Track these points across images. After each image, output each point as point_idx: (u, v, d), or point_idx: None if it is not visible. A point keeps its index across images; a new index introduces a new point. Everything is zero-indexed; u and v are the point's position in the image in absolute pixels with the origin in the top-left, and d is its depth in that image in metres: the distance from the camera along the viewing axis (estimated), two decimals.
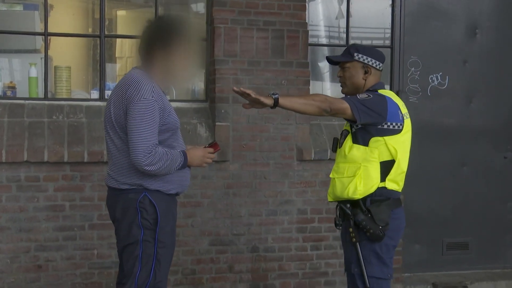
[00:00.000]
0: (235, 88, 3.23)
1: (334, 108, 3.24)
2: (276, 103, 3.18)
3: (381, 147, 3.32)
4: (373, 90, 3.41)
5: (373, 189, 3.32)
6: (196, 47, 3.43)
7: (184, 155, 3.33)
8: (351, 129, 3.41)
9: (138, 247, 3.25)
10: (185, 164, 3.33)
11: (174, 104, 4.94)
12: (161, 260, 3.27)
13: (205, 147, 3.52)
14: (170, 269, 4.79)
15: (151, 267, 3.25)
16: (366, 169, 3.31)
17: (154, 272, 3.25)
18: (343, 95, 3.52)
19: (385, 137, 3.32)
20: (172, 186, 3.33)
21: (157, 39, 3.30)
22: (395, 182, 3.39)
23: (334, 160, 3.56)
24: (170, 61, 3.31)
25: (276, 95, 3.18)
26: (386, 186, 3.35)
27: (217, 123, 4.97)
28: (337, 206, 3.47)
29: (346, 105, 3.25)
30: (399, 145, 3.34)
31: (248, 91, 3.17)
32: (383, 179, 3.34)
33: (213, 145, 3.53)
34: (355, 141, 3.38)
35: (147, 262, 3.25)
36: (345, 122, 3.53)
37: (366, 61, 3.45)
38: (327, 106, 3.23)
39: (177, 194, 3.42)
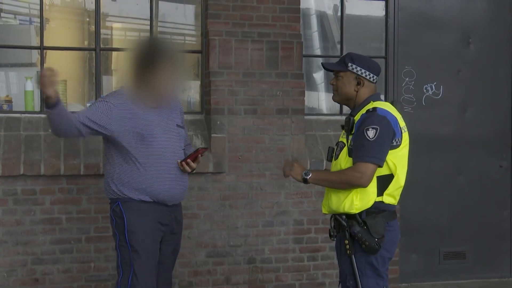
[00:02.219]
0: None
1: (369, 179, 3.24)
2: (306, 182, 3.42)
3: None
4: (372, 110, 3.31)
5: (369, 204, 3.29)
6: (179, 68, 3.66)
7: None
8: (347, 142, 3.39)
9: (117, 253, 3.54)
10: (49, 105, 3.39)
11: None
12: (135, 264, 3.46)
13: (196, 151, 3.68)
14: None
15: (130, 272, 3.47)
16: None
17: (132, 276, 3.47)
18: (337, 104, 3.52)
19: None
20: (137, 192, 3.51)
21: (142, 61, 3.50)
22: (392, 196, 3.36)
23: (329, 170, 3.55)
24: (155, 81, 3.50)
25: (309, 175, 3.39)
26: (384, 200, 3.32)
27: (213, 135, 4.99)
28: (331, 217, 3.45)
29: (371, 166, 3.22)
30: (398, 160, 3.31)
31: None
32: (380, 193, 3.31)
33: (200, 150, 3.67)
34: (351, 155, 3.34)
35: (126, 267, 3.49)
36: (341, 133, 3.52)
37: (359, 73, 3.41)
38: (363, 183, 3.23)
39: (156, 202, 3.54)
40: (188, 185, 4.83)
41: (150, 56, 3.49)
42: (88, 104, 5.04)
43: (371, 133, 3.25)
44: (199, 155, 3.66)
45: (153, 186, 3.53)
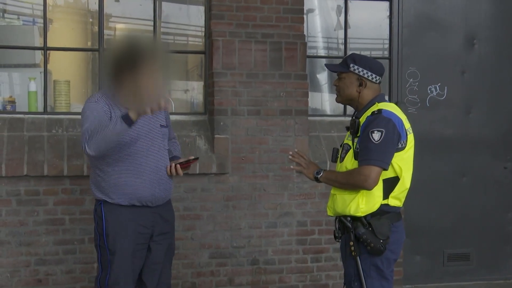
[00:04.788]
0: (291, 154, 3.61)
1: (373, 182, 3.23)
2: (317, 180, 3.48)
3: None
4: (377, 112, 3.29)
5: (375, 207, 3.28)
6: (162, 69, 3.40)
7: (123, 116, 3.28)
8: (353, 145, 3.37)
9: (98, 251, 3.60)
10: (129, 122, 3.27)
11: (173, 117, 4.98)
12: (113, 266, 3.51)
13: (188, 161, 3.66)
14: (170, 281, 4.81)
15: (107, 271, 3.52)
16: None
17: (109, 276, 3.53)
18: (339, 103, 3.56)
19: None
20: (116, 196, 3.51)
21: (121, 61, 3.31)
22: (398, 199, 3.35)
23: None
24: (136, 84, 3.29)
25: (320, 174, 3.45)
26: (389, 203, 3.31)
27: (216, 136, 4.98)
28: (336, 218, 3.44)
29: (377, 169, 3.21)
30: (403, 162, 3.30)
31: (301, 161, 3.56)
32: (386, 196, 3.30)
33: (192, 161, 3.66)
34: (357, 158, 3.33)
35: (105, 266, 3.54)
36: (346, 135, 3.50)
37: (361, 73, 3.39)
38: (367, 186, 3.22)
39: (135, 205, 3.53)
40: (190, 186, 4.88)
41: (130, 56, 3.28)
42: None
43: (376, 136, 3.23)
44: (190, 165, 3.66)
45: (135, 189, 3.50)
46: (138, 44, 3.41)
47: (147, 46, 3.43)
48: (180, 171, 3.60)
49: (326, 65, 3.74)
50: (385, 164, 3.24)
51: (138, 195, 3.52)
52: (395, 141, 3.26)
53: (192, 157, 3.71)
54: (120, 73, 3.30)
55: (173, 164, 3.59)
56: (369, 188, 3.24)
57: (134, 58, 3.28)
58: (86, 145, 3.36)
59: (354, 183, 3.26)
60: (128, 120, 3.27)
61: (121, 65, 3.30)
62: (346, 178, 3.32)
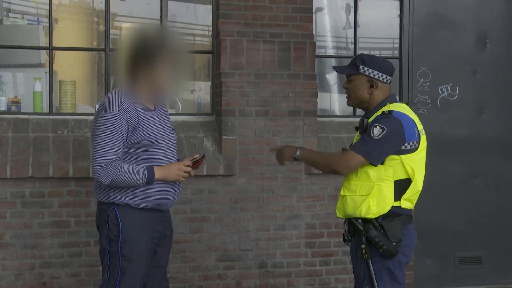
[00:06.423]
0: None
1: (348, 167, 3.21)
2: (296, 159, 3.42)
3: (397, 165, 3.22)
4: (388, 112, 3.24)
5: (386, 209, 3.23)
6: (177, 57, 3.40)
7: (149, 171, 3.34)
8: None
9: (106, 257, 3.42)
10: (151, 180, 3.35)
11: (180, 118, 4.95)
12: (125, 272, 3.36)
13: (192, 160, 3.52)
14: (177, 285, 4.77)
15: (117, 278, 3.38)
16: (380, 188, 3.21)
17: (119, 283, 3.37)
18: (349, 105, 3.51)
19: (401, 156, 3.22)
20: (141, 200, 3.37)
21: (137, 52, 3.29)
22: (410, 201, 3.30)
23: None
24: (153, 73, 3.31)
25: (298, 153, 3.38)
26: (401, 205, 3.26)
27: (223, 137, 4.93)
28: (345, 221, 3.39)
29: (360, 158, 3.19)
30: (415, 164, 3.25)
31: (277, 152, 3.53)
32: (398, 198, 3.24)
33: (200, 159, 3.54)
34: None
35: (113, 272, 3.39)
36: (355, 135, 3.45)
37: (371, 75, 3.33)
38: (341, 170, 3.22)
39: (153, 209, 3.42)
40: (197, 188, 4.83)
41: (149, 45, 3.27)
42: (97, 105, 4.99)
43: (376, 132, 3.21)
44: (201, 164, 3.57)
45: (154, 193, 3.39)
46: (152, 34, 3.42)
47: (161, 35, 3.45)
48: (192, 172, 3.53)
49: (334, 67, 3.68)
50: (372, 158, 3.19)
51: (156, 199, 3.41)
52: (395, 143, 3.20)
53: (198, 155, 3.57)
54: (137, 67, 3.29)
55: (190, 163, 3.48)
56: (341, 172, 3.23)
57: (150, 48, 3.28)
58: (101, 175, 3.26)
59: (330, 164, 3.27)
60: (151, 175, 3.31)
61: (137, 58, 3.28)
62: (324, 158, 3.34)
